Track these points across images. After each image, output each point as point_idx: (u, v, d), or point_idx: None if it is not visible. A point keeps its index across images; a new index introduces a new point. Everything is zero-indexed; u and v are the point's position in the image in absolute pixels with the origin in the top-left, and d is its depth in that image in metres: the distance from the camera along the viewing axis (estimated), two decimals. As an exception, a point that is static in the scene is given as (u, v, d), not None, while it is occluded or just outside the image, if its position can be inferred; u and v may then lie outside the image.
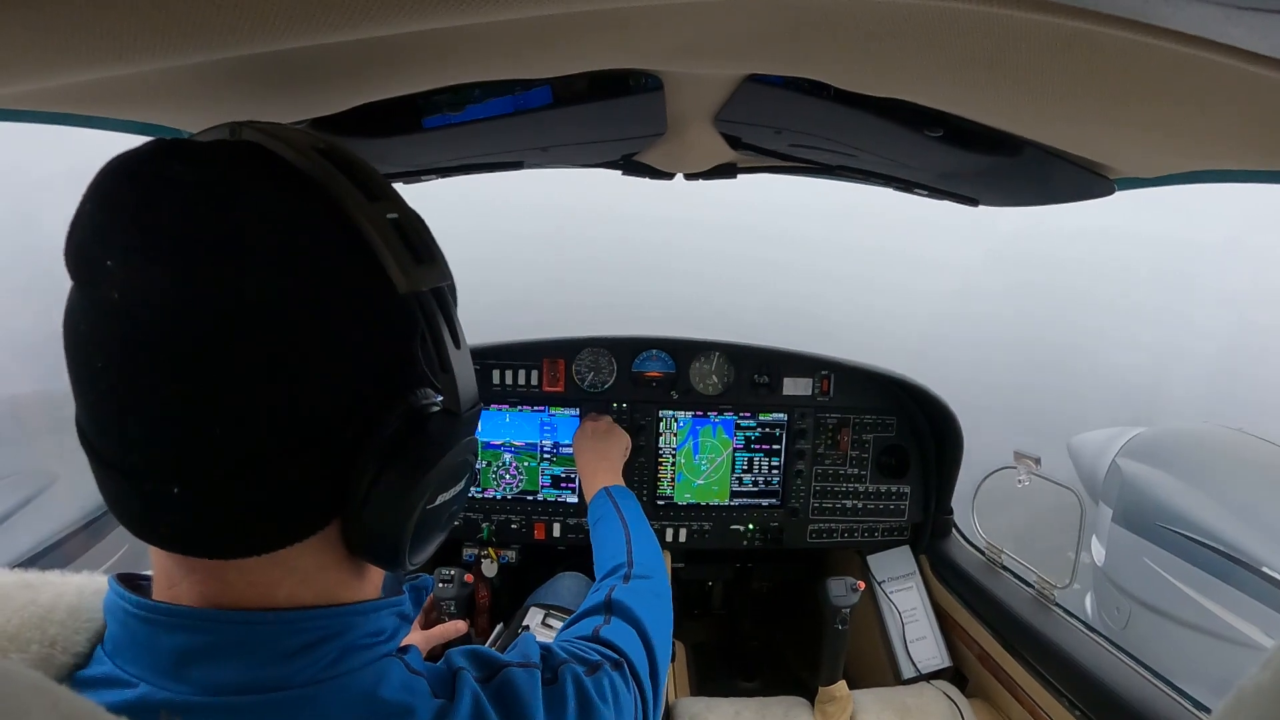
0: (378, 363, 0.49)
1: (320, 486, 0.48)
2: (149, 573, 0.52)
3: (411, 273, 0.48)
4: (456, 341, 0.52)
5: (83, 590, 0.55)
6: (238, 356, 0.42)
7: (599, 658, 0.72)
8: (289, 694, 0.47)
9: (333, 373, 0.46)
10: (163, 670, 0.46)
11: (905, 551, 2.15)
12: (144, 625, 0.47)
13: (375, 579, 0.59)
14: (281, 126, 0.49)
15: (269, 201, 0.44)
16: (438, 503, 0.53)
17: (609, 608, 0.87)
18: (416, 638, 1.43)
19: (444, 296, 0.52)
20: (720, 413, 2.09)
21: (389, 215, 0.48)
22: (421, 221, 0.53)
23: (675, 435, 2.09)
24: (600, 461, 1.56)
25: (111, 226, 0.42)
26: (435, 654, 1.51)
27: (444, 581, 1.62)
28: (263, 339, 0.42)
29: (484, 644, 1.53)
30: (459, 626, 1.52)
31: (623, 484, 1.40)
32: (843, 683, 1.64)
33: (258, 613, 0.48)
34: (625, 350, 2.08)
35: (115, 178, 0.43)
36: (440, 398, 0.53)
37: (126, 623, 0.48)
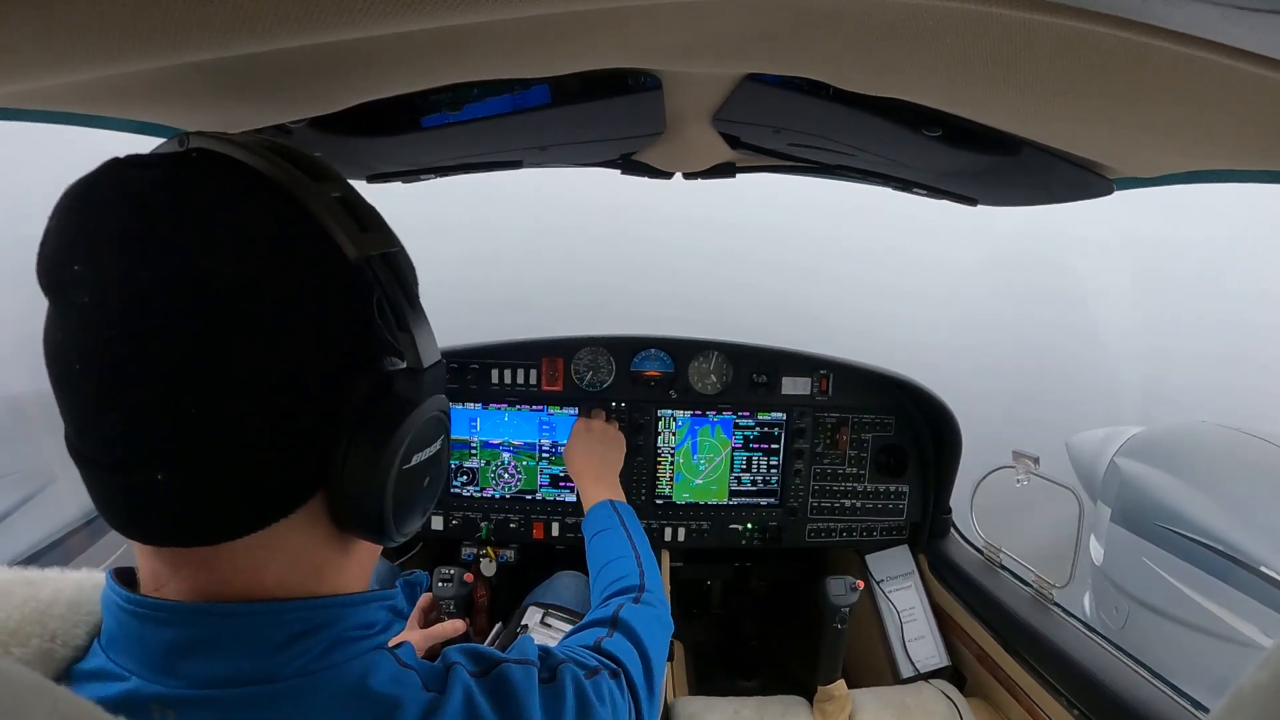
0: (341, 330, 0.50)
1: (299, 457, 0.49)
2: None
3: (359, 240, 0.50)
4: (412, 302, 0.55)
5: (82, 585, 0.55)
6: (206, 337, 0.43)
7: (597, 664, 0.73)
8: (278, 686, 0.48)
9: (299, 344, 0.47)
10: (153, 664, 0.47)
11: (904, 551, 2.15)
12: (135, 620, 0.48)
13: (364, 560, 0.59)
14: (227, 133, 0.51)
15: (220, 191, 0.47)
16: (414, 462, 0.54)
17: (615, 623, 0.88)
18: (415, 637, 1.43)
19: (395, 261, 0.54)
20: (719, 412, 2.09)
21: (333, 194, 0.51)
22: (366, 202, 0.56)
23: (674, 435, 2.09)
24: (602, 468, 1.54)
25: (75, 234, 0.45)
26: (434, 653, 1.51)
27: (443, 581, 1.62)
28: (228, 318, 0.44)
29: (483, 643, 1.53)
30: (457, 626, 1.52)
31: (625, 499, 1.38)
32: (841, 682, 1.65)
33: (245, 604, 0.48)
34: (624, 349, 2.08)
35: (75, 194, 0.46)
36: (404, 363, 0.55)
37: (119, 617, 0.49)
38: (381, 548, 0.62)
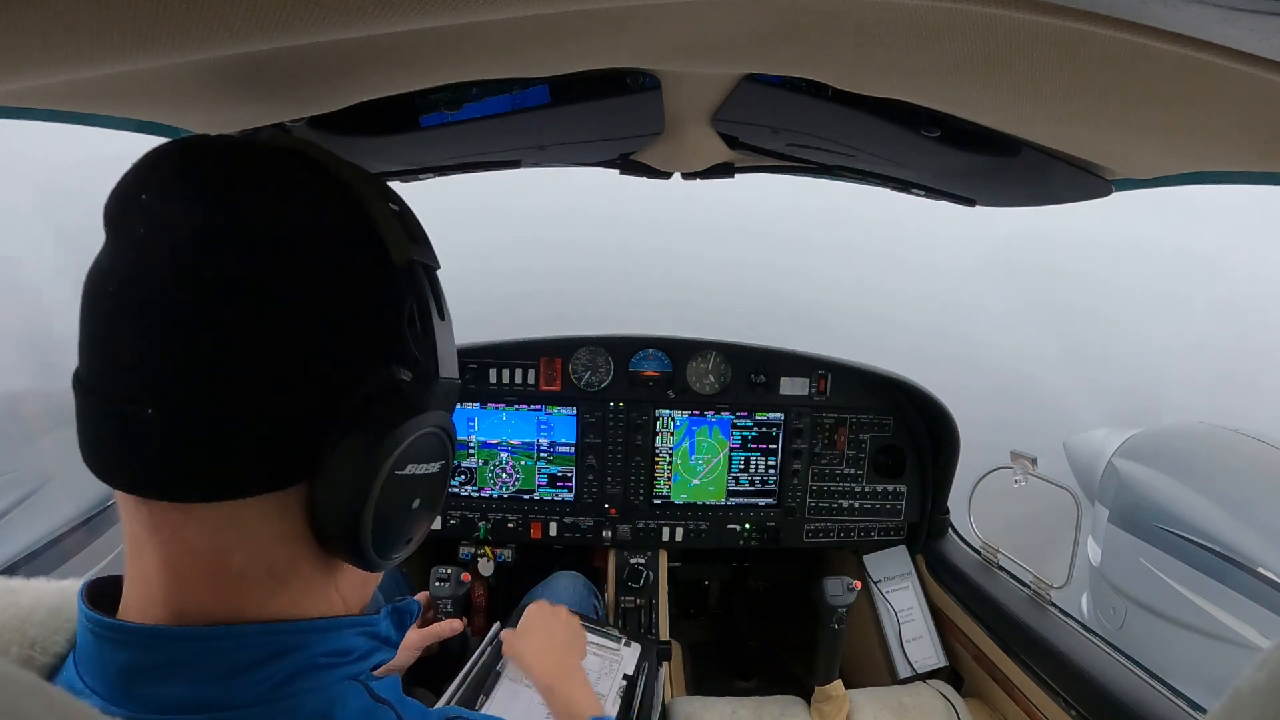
0: (367, 326, 0.51)
1: (289, 434, 0.47)
2: (121, 574, 0.52)
3: (407, 247, 0.53)
4: (441, 314, 0.57)
5: (65, 592, 0.55)
6: (238, 290, 0.44)
7: None
8: (233, 714, 0.47)
9: (323, 326, 0.48)
10: (112, 686, 0.46)
11: (901, 551, 2.16)
12: (95, 640, 0.47)
13: (345, 588, 0.56)
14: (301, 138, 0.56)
15: (289, 172, 0.50)
16: (407, 470, 0.51)
17: None
18: (412, 636, 1.43)
19: (434, 274, 0.57)
20: (717, 412, 2.09)
21: (391, 204, 0.53)
22: (418, 219, 0.58)
23: (672, 435, 2.09)
24: (571, 668, 1.25)
25: (150, 173, 0.48)
26: (431, 652, 1.51)
27: (440, 580, 1.62)
28: (266, 279, 0.45)
29: (480, 643, 1.52)
30: (454, 625, 1.52)
31: (600, 712, 1.17)
32: (839, 682, 1.65)
33: (204, 629, 0.47)
34: (622, 349, 2.08)
35: (158, 150, 0.49)
36: (419, 372, 0.55)
37: (84, 635, 0.49)
38: (371, 578, 0.60)
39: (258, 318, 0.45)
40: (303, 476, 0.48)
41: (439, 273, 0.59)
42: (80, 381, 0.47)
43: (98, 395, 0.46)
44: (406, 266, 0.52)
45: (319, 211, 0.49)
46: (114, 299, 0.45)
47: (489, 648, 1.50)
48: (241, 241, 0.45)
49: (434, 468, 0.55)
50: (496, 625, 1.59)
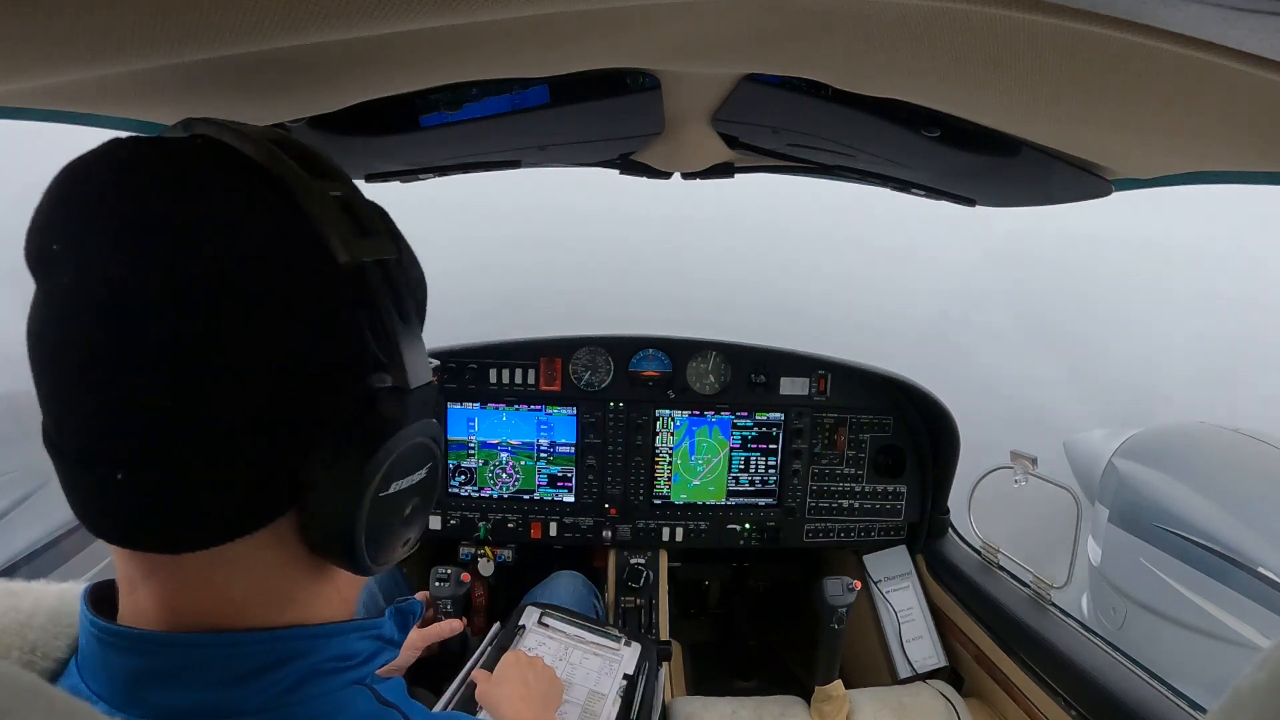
0: (325, 339, 0.46)
1: (267, 473, 0.45)
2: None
3: (353, 244, 0.46)
4: (404, 315, 0.50)
5: (64, 596, 0.54)
6: (180, 335, 0.41)
7: None
8: None
9: (278, 349, 0.44)
10: (118, 692, 0.46)
11: (901, 551, 2.16)
12: (100, 646, 0.47)
13: (344, 588, 0.56)
14: (234, 123, 0.48)
15: (212, 180, 0.44)
16: (392, 489, 0.50)
17: None
18: (412, 636, 1.42)
19: (391, 271, 0.50)
20: (717, 412, 2.09)
21: (333, 193, 0.47)
22: (373, 204, 0.52)
23: (672, 435, 2.09)
24: (544, 711, 1.26)
25: (61, 215, 0.43)
26: (431, 652, 1.51)
27: (440, 580, 1.62)
28: (206, 313, 0.41)
29: (480, 643, 1.52)
30: (454, 625, 1.52)
31: None
32: (839, 682, 1.64)
33: (210, 635, 0.46)
34: (622, 349, 2.08)
35: (68, 174, 0.44)
36: (391, 381, 0.51)
37: (88, 640, 0.48)
38: (365, 577, 0.58)
39: (208, 362, 0.41)
40: (292, 504, 0.47)
41: (400, 260, 0.52)
42: (49, 438, 0.45)
43: (68, 458, 0.44)
44: (358, 268, 0.47)
45: (248, 226, 0.43)
46: (55, 361, 0.42)
47: (487, 648, 1.50)
48: (170, 281, 0.40)
49: (422, 474, 0.54)
50: (496, 625, 1.59)
